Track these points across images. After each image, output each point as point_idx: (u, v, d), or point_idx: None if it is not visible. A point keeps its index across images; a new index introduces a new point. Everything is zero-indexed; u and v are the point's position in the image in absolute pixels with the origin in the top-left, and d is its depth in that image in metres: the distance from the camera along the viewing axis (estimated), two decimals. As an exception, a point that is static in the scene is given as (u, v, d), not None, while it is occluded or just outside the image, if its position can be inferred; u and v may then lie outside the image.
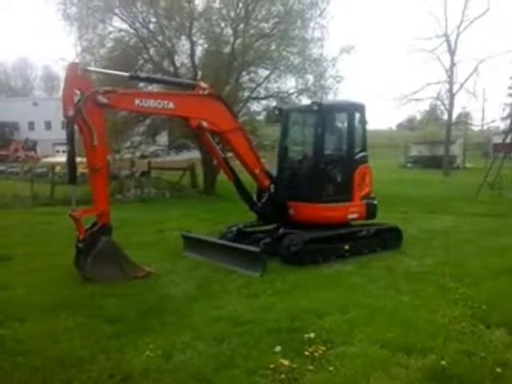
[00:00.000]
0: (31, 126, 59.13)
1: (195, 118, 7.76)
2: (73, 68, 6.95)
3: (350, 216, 8.91)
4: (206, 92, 7.87)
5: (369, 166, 9.22)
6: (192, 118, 7.78)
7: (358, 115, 9.18)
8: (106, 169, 7.28)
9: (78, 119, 6.71)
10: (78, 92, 6.85)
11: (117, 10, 18.21)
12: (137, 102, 7.23)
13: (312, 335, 4.84)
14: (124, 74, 7.95)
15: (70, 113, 6.63)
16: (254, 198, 8.93)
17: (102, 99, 6.82)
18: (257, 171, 8.68)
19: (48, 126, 58.12)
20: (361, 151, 9.10)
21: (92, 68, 7.43)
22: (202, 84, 8.02)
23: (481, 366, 4.29)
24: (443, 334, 4.99)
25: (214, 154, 8.96)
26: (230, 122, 8.24)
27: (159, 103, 7.38)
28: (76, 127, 6.93)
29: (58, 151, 50.60)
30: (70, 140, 6.84)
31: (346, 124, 9.22)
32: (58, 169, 24.98)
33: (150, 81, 7.94)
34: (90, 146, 6.83)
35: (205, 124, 7.83)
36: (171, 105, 7.48)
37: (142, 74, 7.97)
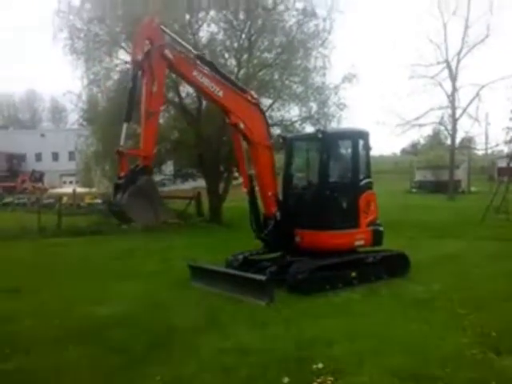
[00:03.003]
0: (38, 157, 59.80)
1: (236, 116, 8.22)
2: (149, 20, 7.52)
3: (357, 243, 8.90)
4: (254, 101, 8.45)
5: (373, 192, 9.25)
6: (233, 114, 8.23)
7: (361, 142, 9.26)
8: (158, 115, 7.81)
9: (145, 64, 7.17)
10: (147, 42, 7.27)
11: (123, 44, 18.64)
12: (195, 72, 7.79)
13: (320, 365, 4.82)
14: (193, 50, 8.40)
15: (139, 57, 7.16)
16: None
17: (169, 54, 7.40)
18: (269, 193, 8.79)
19: (55, 157, 58.76)
20: (365, 178, 9.16)
21: (167, 30, 8.05)
22: (253, 93, 8.65)
23: (492, 394, 4.24)
24: (453, 361, 4.92)
25: (238, 155, 9.06)
26: (263, 136, 8.68)
27: (212, 86, 7.94)
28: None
29: (64, 182, 51.06)
30: (134, 81, 7.22)
31: (350, 151, 9.31)
32: (65, 199, 25.18)
33: (212, 67, 8.30)
34: (150, 91, 7.22)
35: (242, 126, 8.30)
36: (221, 93, 8.02)
37: (208, 58, 8.71)
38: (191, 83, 8.40)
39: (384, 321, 6.36)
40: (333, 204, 8.74)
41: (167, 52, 7.39)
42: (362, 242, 8.95)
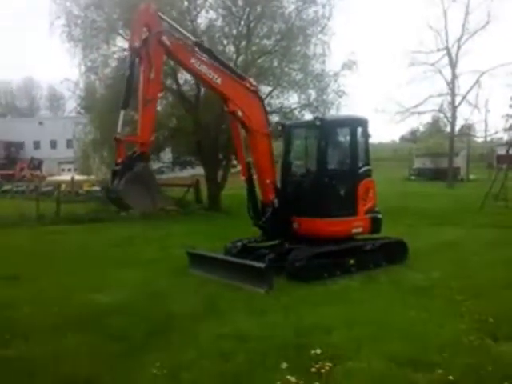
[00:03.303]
0: (37, 145, 59.59)
1: (234, 104, 8.21)
2: (146, 6, 7.45)
3: (355, 230, 8.90)
4: (253, 88, 8.40)
5: (372, 179, 9.22)
6: (231, 102, 8.22)
7: (360, 129, 9.22)
8: (156, 102, 7.86)
9: (142, 51, 7.19)
10: (145, 29, 7.32)
11: (120, 31, 18.48)
12: (193, 60, 7.79)
13: (318, 351, 4.83)
14: (192, 37, 8.44)
15: (136, 44, 7.17)
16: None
17: (166, 40, 7.39)
18: (267, 181, 8.80)
19: (53, 145, 58.59)
20: (364, 165, 9.13)
21: (165, 17, 8.14)
22: (252, 80, 8.67)
23: (489, 380, 4.26)
24: (450, 347, 4.95)
25: (236, 142, 9.04)
26: (261, 124, 8.66)
27: (210, 73, 7.94)
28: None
29: (63, 170, 50.99)
30: (131, 69, 7.24)
31: (348, 138, 9.28)
32: (63, 187, 25.13)
33: (210, 54, 8.35)
34: (147, 78, 7.22)
35: (240, 113, 8.27)
36: (219, 80, 8.02)
37: (206, 45, 8.86)
38: (189, 70, 8.34)
39: (382, 308, 6.38)
40: (330, 191, 8.71)
41: (165, 39, 7.36)
42: (359, 230, 8.95)
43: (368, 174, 9.15)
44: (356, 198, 8.85)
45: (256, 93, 8.67)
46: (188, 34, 8.62)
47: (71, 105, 26.69)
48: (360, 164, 9.10)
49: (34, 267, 9.43)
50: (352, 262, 8.43)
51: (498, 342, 5.12)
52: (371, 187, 9.15)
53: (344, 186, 8.85)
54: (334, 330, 5.53)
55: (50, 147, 58.55)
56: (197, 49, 8.03)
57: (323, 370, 4.44)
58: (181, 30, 8.45)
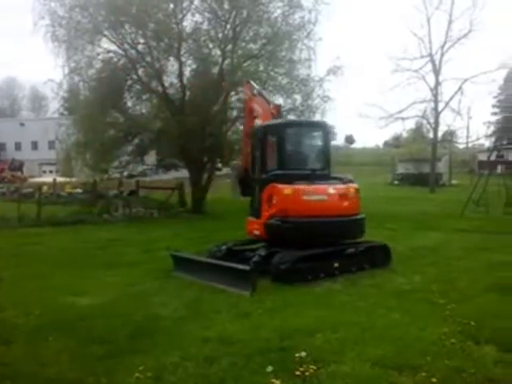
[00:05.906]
0: (18, 146, 58.77)
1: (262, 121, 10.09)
2: (245, 85, 11.53)
3: (255, 232, 9.11)
4: (273, 111, 10.03)
5: (276, 185, 8.61)
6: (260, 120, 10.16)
7: (270, 136, 9.37)
8: (246, 137, 10.82)
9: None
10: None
11: (105, 32, 18.36)
12: (254, 103, 10.57)
13: (303, 354, 4.81)
14: (256, 86, 11.39)
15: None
16: None
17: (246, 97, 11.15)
18: None
19: (34, 146, 57.79)
20: (273, 170, 9.00)
21: (252, 83, 11.40)
22: (274, 104, 10.63)
23: (471, 382, 4.31)
24: (433, 350, 5.00)
25: None
26: None
27: (257, 107, 10.38)
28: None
29: (44, 171, 50.33)
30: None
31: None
32: (44, 189, 24.80)
33: (260, 95, 10.81)
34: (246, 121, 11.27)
35: None
36: (260, 110, 10.32)
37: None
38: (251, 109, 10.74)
39: (366, 311, 6.43)
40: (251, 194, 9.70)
41: (247, 97, 11.11)
42: (258, 233, 9.03)
43: (275, 178, 8.75)
44: (259, 202, 9.10)
45: (273, 113, 10.02)
46: (255, 85, 11.29)
47: (54, 106, 26.40)
48: (269, 169, 9.16)
49: (16, 269, 9.29)
50: (336, 265, 8.47)
51: (479, 345, 5.19)
52: (274, 193, 8.61)
53: (254, 190, 9.44)
54: (318, 332, 5.55)
55: (31, 148, 57.75)
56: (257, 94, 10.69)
57: (308, 373, 4.43)
58: (253, 84, 11.30)
